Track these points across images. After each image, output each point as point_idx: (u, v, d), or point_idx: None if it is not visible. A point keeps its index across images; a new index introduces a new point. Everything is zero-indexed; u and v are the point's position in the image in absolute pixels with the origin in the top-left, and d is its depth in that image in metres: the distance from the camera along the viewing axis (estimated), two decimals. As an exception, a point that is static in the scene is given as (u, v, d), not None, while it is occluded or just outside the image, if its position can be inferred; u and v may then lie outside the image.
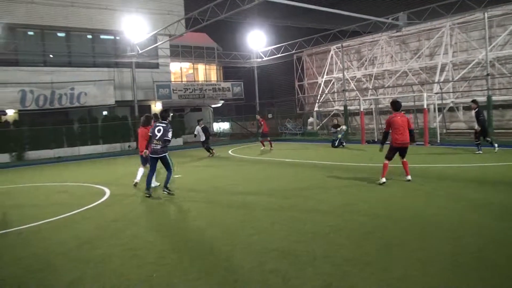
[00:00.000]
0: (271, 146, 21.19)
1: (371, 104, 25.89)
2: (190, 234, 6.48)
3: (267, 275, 4.55)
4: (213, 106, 34.74)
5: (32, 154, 22.90)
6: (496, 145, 14.33)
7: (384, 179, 9.57)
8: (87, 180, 13.52)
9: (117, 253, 5.66)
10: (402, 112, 9.84)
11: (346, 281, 4.27)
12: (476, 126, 14.54)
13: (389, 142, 9.87)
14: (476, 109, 14.54)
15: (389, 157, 9.74)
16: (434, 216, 6.63)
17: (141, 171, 11.29)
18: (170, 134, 9.35)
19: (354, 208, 7.43)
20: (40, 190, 12.11)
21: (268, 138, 21.52)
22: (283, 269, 4.67)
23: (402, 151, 9.71)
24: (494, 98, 20.03)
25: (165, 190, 9.59)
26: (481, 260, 4.64)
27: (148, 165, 10.05)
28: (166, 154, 9.47)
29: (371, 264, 4.70)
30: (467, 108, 23.07)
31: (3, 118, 24.11)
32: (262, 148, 21.26)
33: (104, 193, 10.59)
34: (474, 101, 14.89)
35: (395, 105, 9.73)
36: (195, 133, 19.40)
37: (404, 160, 9.75)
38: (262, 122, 21.46)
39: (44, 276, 4.95)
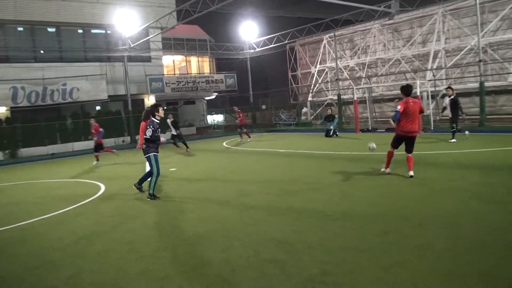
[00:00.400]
0: (249, 137, 21.68)
1: (364, 93, 25.92)
2: (186, 226, 6.50)
3: (264, 264, 4.58)
4: (206, 98, 34.61)
5: (25, 151, 22.78)
6: (466, 132, 14.61)
7: (388, 170, 9.32)
8: (82, 176, 13.49)
9: (114, 247, 5.67)
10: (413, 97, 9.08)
11: (343, 268, 4.31)
12: (446, 112, 14.55)
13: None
14: (452, 96, 14.37)
15: (394, 145, 9.16)
16: (431, 203, 6.69)
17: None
18: (148, 132, 8.42)
19: (350, 197, 7.47)
20: (35, 187, 12.07)
21: (245, 130, 22.04)
22: (280, 258, 4.70)
23: (409, 141, 8.91)
24: (486, 84, 20.11)
25: (149, 196, 8.62)
26: (477, 245, 4.69)
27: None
28: (150, 154, 8.60)
29: (368, 251, 4.74)
30: (460, 95, 23.04)
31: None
32: (249, 139, 21.45)
33: (99, 189, 10.57)
34: (450, 88, 14.72)
35: (407, 89, 8.89)
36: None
37: (410, 155, 8.93)
38: (240, 115, 21.70)
39: (42, 273, 4.95)
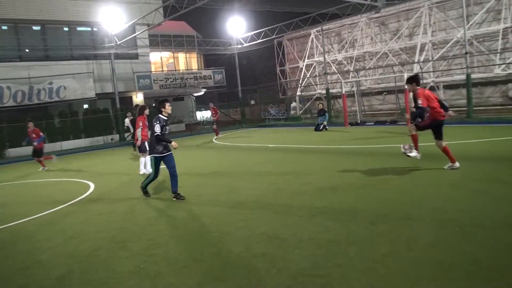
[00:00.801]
0: (216, 134, 22.61)
1: (352, 87, 26.02)
2: (177, 223, 6.50)
3: (255, 258, 4.60)
4: (195, 94, 34.52)
5: (13, 152, 22.52)
6: None
7: (417, 154, 8.77)
8: (71, 175, 13.39)
9: (104, 245, 5.65)
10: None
11: (332, 261, 4.34)
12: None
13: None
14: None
15: (421, 127, 8.44)
16: (419, 194, 6.76)
17: (142, 161, 12.00)
18: (157, 129, 7.88)
19: (340, 190, 7.52)
20: (23, 188, 11.96)
21: (214, 126, 22.64)
22: (270, 253, 4.73)
23: (439, 127, 8.32)
24: (473, 76, 20.29)
25: (142, 189, 8.70)
26: (464, 234, 4.76)
27: (147, 153, 10.83)
28: (152, 156, 8.29)
29: (357, 243, 4.78)
30: (447, 87, 23.36)
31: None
32: (216, 136, 22.34)
33: (88, 187, 10.51)
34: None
35: (417, 78, 8.60)
36: (126, 125, 18.60)
37: (443, 144, 8.35)
38: (214, 111, 22.54)
39: (32, 273, 4.92)
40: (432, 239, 4.70)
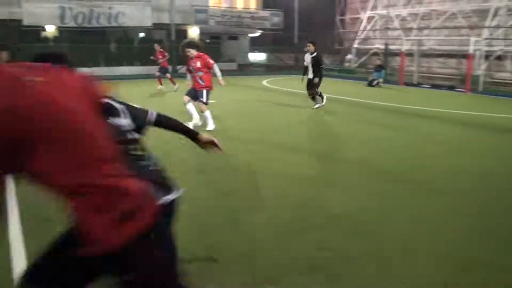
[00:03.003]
0: (173, 83, 16.60)
1: (413, 45, 24.84)
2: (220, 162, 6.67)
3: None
4: (250, 35, 34.05)
5: (71, 71, 23.33)
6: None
7: None
8: (129, 100, 13.80)
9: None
10: None
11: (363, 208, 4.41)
12: (313, 76, 11.53)
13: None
14: (314, 54, 11.60)
15: None
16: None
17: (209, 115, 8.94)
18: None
19: (384, 144, 7.43)
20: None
21: (168, 75, 17.12)
22: (310, 196, 4.84)
23: None
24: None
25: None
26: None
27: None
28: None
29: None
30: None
31: (42, 34, 24.42)
32: (160, 87, 16.78)
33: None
34: (312, 43, 11.82)
35: None
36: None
37: None
38: (161, 56, 17.01)
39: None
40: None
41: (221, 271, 3.18)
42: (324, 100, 11.85)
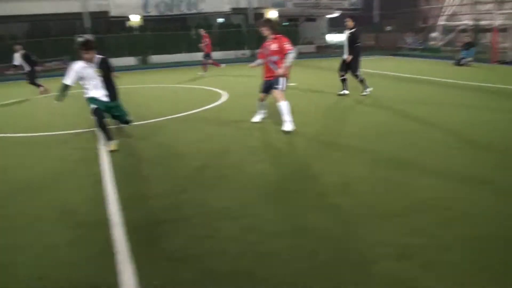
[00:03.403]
0: (204, 70, 16.96)
1: (507, 19, 22.76)
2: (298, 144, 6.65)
3: (378, 181, 4.62)
4: (328, 16, 33.33)
5: (154, 58, 24.54)
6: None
7: None
8: (206, 84, 14.29)
9: (235, 149, 6.13)
10: None
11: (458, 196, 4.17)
12: (346, 56, 10.23)
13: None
14: (353, 30, 10.25)
15: None
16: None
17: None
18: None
19: (470, 127, 6.95)
20: (164, 91, 13.21)
21: (210, 60, 17.16)
22: (395, 178, 4.70)
23: None
24: None
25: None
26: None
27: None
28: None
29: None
30: None
31: (127, 23, 25.84)
32: (202, 73, 16.88)
33: (221, 96, 11.19)
34: (351, 17, 10.52)
35: None
36: (15, 63, 13.53)
37: None
38: (206, 39, 16.86)
39: (170, 163, 5.67)
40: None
41: (310, 252, 3.18)
42: (368, 89, 10.39)
